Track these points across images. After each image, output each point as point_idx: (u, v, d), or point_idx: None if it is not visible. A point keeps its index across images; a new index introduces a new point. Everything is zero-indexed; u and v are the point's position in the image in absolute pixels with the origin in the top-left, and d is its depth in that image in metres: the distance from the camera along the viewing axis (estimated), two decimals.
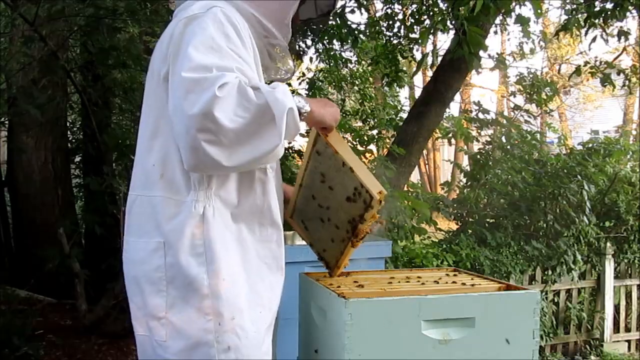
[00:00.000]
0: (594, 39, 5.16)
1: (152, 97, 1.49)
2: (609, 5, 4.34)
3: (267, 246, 1.56)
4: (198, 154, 1.28)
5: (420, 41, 4.76)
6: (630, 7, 4.17)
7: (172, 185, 1.44)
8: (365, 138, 5.84)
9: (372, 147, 6.23)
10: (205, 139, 1.26)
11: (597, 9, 4.37)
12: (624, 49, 8.05)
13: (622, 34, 4.96)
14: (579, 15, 4.89)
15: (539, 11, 4.05)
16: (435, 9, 4.62)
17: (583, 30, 4.99)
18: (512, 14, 4.35)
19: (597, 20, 4.50)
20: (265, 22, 1.53)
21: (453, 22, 3.86)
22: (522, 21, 4.12)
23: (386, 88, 7.56)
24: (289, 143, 4.79)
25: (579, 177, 5.05)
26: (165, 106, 1.40)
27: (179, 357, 1.42)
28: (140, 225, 1.49)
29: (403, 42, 6.03)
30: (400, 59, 6.13)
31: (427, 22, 5.08)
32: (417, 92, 9.98)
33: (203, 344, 1.40)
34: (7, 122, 5.02)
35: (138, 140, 1.54)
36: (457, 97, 10.24)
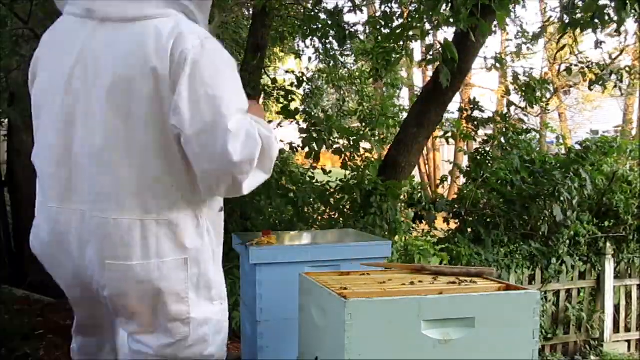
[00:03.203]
0: (563, 47, 5.21)
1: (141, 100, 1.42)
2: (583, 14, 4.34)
3: (220, 242, 1.68)
4: None
5: (414, 39, 4.76)
6: (607, 20, 4.17)
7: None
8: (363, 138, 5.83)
9: (368, 145, 6.20)
10: None
11: (579, 16, 4.38)
12: (623, 50, 8.06)
13: (599, 43, 5.00)
14: (556, 22, 4.92)
15: (506, 16, 4.07)
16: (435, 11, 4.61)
17: (576, 33, 4.99)
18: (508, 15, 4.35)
19: (573, 29, 4.50)
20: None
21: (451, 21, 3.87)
22: (480, 29, 4.07)
23: (385, 89, 7.56)
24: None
25: (571, 174, 5.05)
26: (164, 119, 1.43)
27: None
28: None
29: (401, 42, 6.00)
30: (394, 55, 6.11)
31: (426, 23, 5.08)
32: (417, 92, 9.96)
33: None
34: (6, 120, 5.02)
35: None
36: (457, 97, 10.22)
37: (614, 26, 4.75)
